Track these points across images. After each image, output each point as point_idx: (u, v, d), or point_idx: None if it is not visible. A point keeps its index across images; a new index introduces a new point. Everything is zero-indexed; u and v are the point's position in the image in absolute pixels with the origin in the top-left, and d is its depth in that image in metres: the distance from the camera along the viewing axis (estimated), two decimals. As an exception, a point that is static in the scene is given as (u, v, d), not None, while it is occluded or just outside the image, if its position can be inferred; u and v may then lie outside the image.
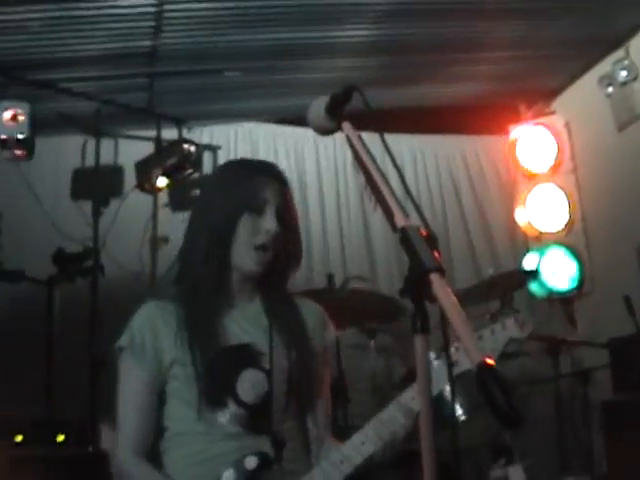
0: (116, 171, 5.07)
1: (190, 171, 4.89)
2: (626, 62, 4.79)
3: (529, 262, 5.36)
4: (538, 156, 5.50)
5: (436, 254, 1.36)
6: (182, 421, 2.13)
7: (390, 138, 1.58)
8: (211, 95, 5.04)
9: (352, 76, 4.77)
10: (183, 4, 3.98)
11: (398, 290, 1.40)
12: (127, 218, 4.78)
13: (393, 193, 1.49)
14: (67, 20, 3.97)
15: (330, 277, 4.17)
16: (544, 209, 5.45)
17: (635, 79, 4.76)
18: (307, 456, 2.22)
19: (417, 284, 1.35)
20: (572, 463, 4.49)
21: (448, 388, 2.32)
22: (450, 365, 2.01)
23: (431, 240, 1.39)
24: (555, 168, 5.48)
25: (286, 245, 2.23)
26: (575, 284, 5.30)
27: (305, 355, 2.22)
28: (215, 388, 2.09)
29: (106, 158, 4.91)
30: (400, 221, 1.43)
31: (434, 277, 1.32)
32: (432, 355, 2.23)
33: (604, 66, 4.99)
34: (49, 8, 3.84)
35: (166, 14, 4.00)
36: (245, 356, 2.15)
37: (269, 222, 2.17)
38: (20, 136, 4.24)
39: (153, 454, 2.16)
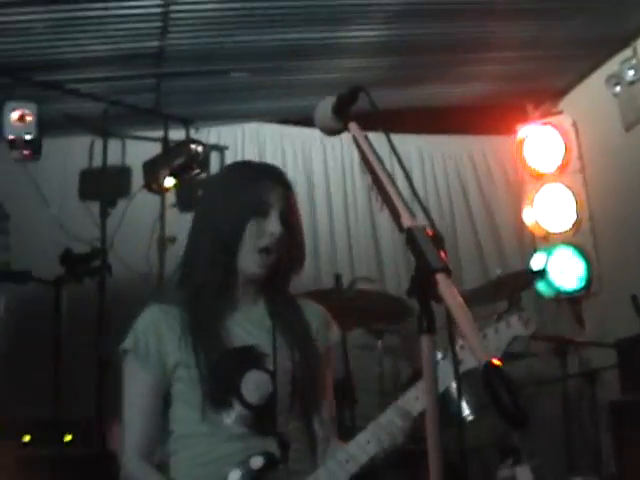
0: (123, 172, 5.07)
1: (197, 171, 4.89)
2: (634, 61, 4.77)
3: (537, 262, 5.35)
4: (545, 156, 5.49)
5: (442, 254, 1.36)
6: (187, 423, 2.13)
7: (397, 138, 1.57)
8: (218, 96, 5.05)
9: (359, 76, 4.77)
10: (190, 5, 3.99)
11: (405, 290, 1.40)
12: (135, 218, 4.78)
13: (400, 194, 1.48)
14: (74, 21, 3.98)
15: (337, 277, 4.17)
16: (552, 209, 5.44)
17: (643, 78, 4.75)
18: (312, 456, 2.21)
19: (423, 284, 1.35)
20: (580, 463, 4.48)
21: (454, 385, 2.31)
22: (456, 363, 2.00)
23: (437, 240, 1.39)
24: (562, 168, 5.46)
25: (289, 248, 2.23)
26: (583, 284, 5.29)
27: (309, 356, 2.22)
28: (219, 390, 2.09)
29: (113, 159, 4.90)
30: (406, 221, 1.43)
31: (440, 277, 1.32)
32: (439, 355, 2.22)
33: (612, 65, 4.98)
34: (56, 9, 3.85)
35: (172, 15, 4.01)
36: (249, 358, 2.15)
37: (273, 225, 2.17)
38: (27, 137, 4.25)
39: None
